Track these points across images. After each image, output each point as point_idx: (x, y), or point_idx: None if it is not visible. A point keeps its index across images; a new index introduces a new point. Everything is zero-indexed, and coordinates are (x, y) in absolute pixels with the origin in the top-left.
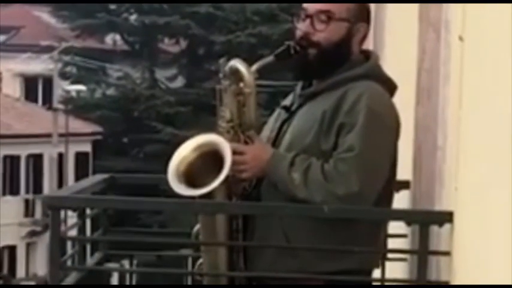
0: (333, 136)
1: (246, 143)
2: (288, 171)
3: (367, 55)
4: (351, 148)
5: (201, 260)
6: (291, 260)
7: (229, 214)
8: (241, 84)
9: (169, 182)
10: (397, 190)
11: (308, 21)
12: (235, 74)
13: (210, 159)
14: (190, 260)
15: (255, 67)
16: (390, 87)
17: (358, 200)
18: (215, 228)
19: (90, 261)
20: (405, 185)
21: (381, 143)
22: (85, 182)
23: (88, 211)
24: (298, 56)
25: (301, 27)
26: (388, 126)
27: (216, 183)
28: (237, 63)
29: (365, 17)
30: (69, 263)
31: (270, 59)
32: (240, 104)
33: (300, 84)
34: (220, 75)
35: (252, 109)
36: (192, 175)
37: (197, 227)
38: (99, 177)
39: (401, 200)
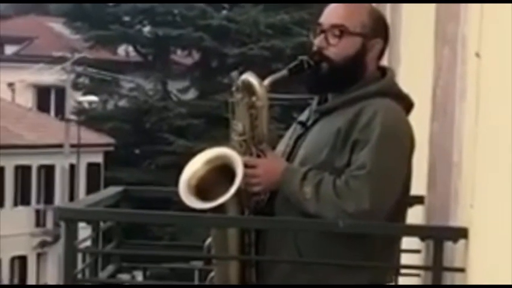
0: (347, 153)
1: (258, 156)
2: (300, 185)
3: (383, 71)
4: (363, 165)
5: (212, 274)
6: (304, 275)
7: (241, 228)
8: (254, 98)
9: (180, 195)
10: (411, 205)
11: (322, 35)
12: (248, 87)
13: (222, 172)
14: (199, 273)
15: (268, 81)
16: (406, 104)
17: (369, 217)
18: (227, 242)
19: (104, 273)
20: (419, 200)
21: (394, 161)
22: (98, 195)
23: (102, 224)
24: (311, 70)
25: (316, 41)
26: (401, 143)
27: (227, 197)
28: (249, 77)
29: (382, 33)
30: (80, 275)
31: (283, 73)
32: (253, 118)
33: (316, 100)
34: (233, 88)
35: (264, 123)
36: (204, 188)
37: (209, 240)
38: (112, 189)
39: (415, 215)
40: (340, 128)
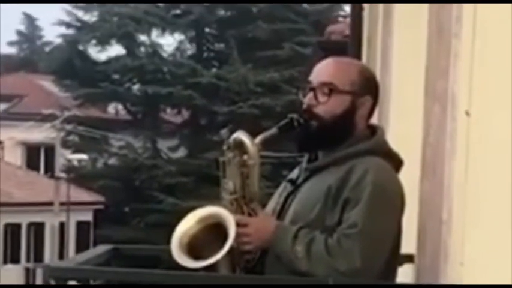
0: (338, 211)
1: (249, 215)
2: (291, 243)
3: (373, 130)
4: (354, 224)
5: None
6: None
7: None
8: (245, 156)
9: (172, 253)
10: (401, 264)
11: (311, 93)
12: (239, 146)
13: (214, 231)
14: None
15: (258, 139)
16: (396, 162)
17: (360, 276)
18: None
19: None
20: (409, 258)
21: (384, 220)
22: (88, 253)
23: (92, 282)
24: (301, 128)
25: (305, 99)
26: (392, 202)
27: (219, 255)
28: (241, 135)
29: (371, 91)
30: None
31: (273, 131)
32: (244, 176)
33: (305, 157)
34: (224, 147)
35: (255, 181)
36: (196, 247)
37: None
38: (102, 248)
39: (405, 274)
40: (331, 186)
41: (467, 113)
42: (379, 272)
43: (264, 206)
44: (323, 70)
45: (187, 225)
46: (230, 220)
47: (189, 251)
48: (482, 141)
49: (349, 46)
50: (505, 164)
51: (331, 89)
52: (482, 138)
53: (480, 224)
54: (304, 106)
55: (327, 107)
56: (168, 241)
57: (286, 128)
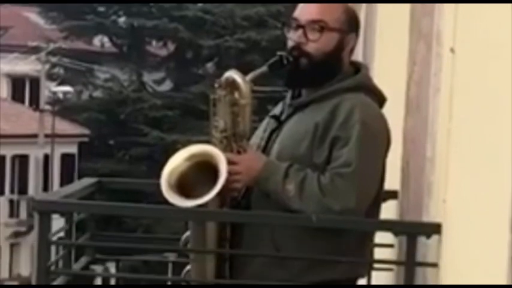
0: (326, 149)
1: (238, 152)
2: (282, 182)
3: (356, 67)
4: (348, 163)
5: (188, 267)
6: (280, 271)
7: (220, 223)
8: (237, 95)
9: (163, 192)
10: (385, 200)
11: (300, 31)
12: (232, 84)
13: (203, 169)
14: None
15: (249, 77)
16: (380, 99)
17: (353, 215)
18: (205, 237)
19: (77, 265)
20: (393, 195)
21: (375, 158)
22: (72, 186)
23: (75, 215)
24: (290, 65)
25: (293, 37)
26: (380, 139)
27: (212, 194)
28: (234, 74)
29: (356, 28)
30: (53, 267)
31: (263, 69)
32: (235, 115)
33: (289, 94)
34: (216, 85)
35: (247, 120)
36: (185, 184)
37: (186, 234)
38: (87, 181)
39: (388, 210)
40: (318, 123)
41: (452, 50)
42: (366, 209)
43: (247, 140)
44: (312, 8)
45: (177, 161)
46: (221, 158)
47: (178, 188)
48: (466, 78)
49: None
50: (488, 100)
51: (322, 27)
52: (466, 76)
53: (463, 161)
54: (292, 44)
55: (317, 44)
56: (152, 174)
57: (275, 66)
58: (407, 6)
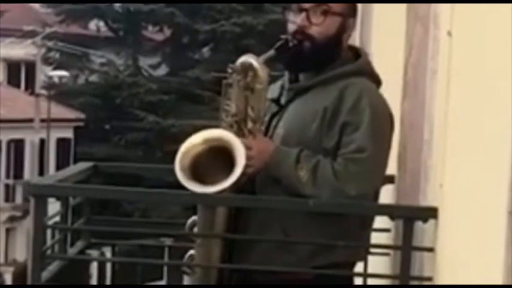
0: (336, 134)
1: (249, 136)
2: (294, 168)
3: (354, 51)
4: (361, 149)
5: (191, 252)
6: (287, 255)
7: (228, 208)
8: (254, 80)
9: (178, 178)
10: (382, 184)
11: (304, 14)
12: (248, 69)
13: (218, 154)
14: (168, 250)
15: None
16: (378, 83)
17: (366, 199)
18: (213, 222)
19: (73, 249)
20: (390, 179)
21: (386, 143)
22: (68, 170)
23: (71, 199)
24: (293, 49)
25: (296, 20)
26: (388, 124)
27: (231, 181)
28: (250, 59)
29: (355, 13)
30: (49, 251)
31: (271, 53)
32: (250, 99)
33: (286, 78)
34: (230, 69)
35: (261, 104)
36: (199, 168)
37: (191, 219)
38: (83, 165)
39: (385, 195)
40: (327, 107)
41: (449, 34)
42: None
43: None
44: None
45: (191, 145)
46: (238, 145)
47: (192, 172)
48: (463, 61)
49: None
50: (485, 84)
51: (325, 10)
52: (463, 59)
53: (461, 145)
54: (295, 27)
55: (320, 28)
56: (148, 159)
57: (282, 49)
58: None
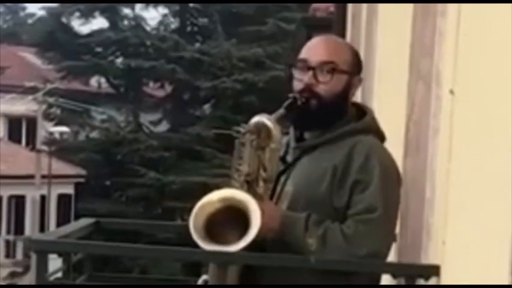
0: (347, 193)
1: (259, 199)
2: (302, 235)
3: (358, 107)
4: (372, 209)
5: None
6: None
7: (242, 267)
8: (268, 140)
9: (193, 236)
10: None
11: (310, 73)
12: (262, 130)
13: (232, 214)
14: None
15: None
16: (383, 140)
17: (378, 258)
18: (225, 281)
19: None
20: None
21: (396, 201)
22: (70, 226)
23: (73, 255)
24: (300, 107)
25: (303, 78)
26: (397, 182)
27: (247, 241)
28: (263, 118)
29: (360, 70)
30: None
31: (281, 112)
32: (261, 159)
33: (292, 136)
34: (242, 130)
35: (274, 164)
36: (212, 227)
37: (202, 278)
38: (84, 221)
39: None
40: (337, 165)
41: (452, 92)
42: None
43: None
44: (322, 49)
45: (206, 203)
46: (254, 206)
47: (205, 229)
48: (466, 120)
49: (334, 23)
50: (488, 143)
51: (332, 68)
52: (466, 117)
53: (463, 202)
54: (302, 85)
55: (327, 86)
56: (148, 215)
57: (291, 107)
58: (407, 46)
